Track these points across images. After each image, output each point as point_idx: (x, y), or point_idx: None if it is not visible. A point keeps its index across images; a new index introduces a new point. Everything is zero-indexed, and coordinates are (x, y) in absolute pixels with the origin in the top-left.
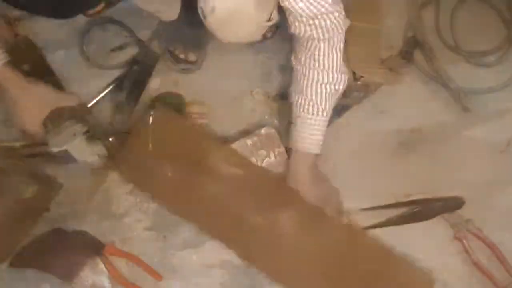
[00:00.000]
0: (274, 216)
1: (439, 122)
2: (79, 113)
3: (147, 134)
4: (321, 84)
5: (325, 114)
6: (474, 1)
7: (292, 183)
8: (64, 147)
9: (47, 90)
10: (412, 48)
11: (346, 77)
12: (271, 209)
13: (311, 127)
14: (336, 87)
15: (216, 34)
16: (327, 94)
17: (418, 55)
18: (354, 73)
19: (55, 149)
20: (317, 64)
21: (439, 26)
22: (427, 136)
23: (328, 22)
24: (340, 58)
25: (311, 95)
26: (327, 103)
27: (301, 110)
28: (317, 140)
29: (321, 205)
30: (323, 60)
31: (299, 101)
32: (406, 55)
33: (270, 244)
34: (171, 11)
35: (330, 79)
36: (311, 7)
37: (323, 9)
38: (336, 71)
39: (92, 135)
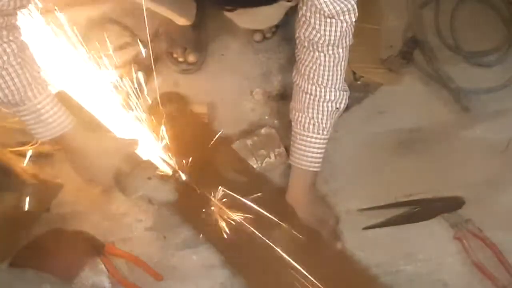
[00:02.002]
0: (272, 229)
1: (439, 122)
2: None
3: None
4: (323, 102)
5: (325, 132)
6: (474, 1)
7: (290, 200)
8: (141, 193)
9: (110, 139)
10: (412, 48)
11: (348, 95)
12: (269, 221)
13: (312, 145)
14: (338, 106)
15: (234, 19)
16: (328, 113)
17: (418, 55)
18: (354, 73)
19: (132, 196)
20: (320, 80)
21: (439, 26)
22: (427, 136)
23: (344, 25)
24: (342, 76)
25: (313, 114)
26: (328, 121)
27: (302, 128)
28: (317, 158)
29: (317, 227)
30: (327, 76)
31: (299, 119)
32: (406, 55)
33: (261, 257)
34: (187, 16)
35: (333, 97)
36: (337, 3)
37: (349, 5)
38: (339, 88)
39: (164, 174)
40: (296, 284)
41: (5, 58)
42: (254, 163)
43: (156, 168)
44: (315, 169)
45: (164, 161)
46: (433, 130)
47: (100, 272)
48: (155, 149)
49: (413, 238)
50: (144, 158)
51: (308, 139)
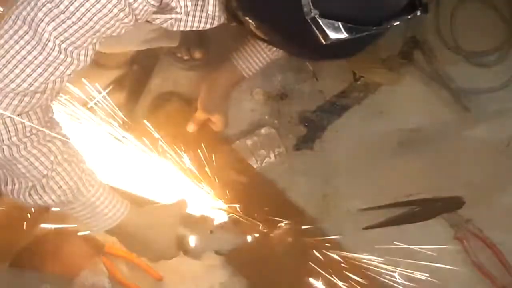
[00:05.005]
0: (270, 230)
1: (439, 122)
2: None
3: None
4: None
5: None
6: (474, 1)
7: (207, 82)
8: (209, 249)
9: (160, 209)
10: (412, 48)
11: None
12: (267, 222)
13: (261, 58)
14: None
15: None
16: None
17: (418, 55)
18: (354, 73)
19: (202, 256)
20: None
21: (439, 26)
22: (427, 136)
23: None
24: None
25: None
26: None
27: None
28: (257, 68)
29: (207, 112)
30: None
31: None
32: (406, 55)
33: (262, 257)
34: (172, 42)
35: None
36: None
37: None
38: None
39: (221, 225)
40: (296, 284)
41: (51, 158)
42: (254, 163)
43: (213, 219)
44: (247, 74)
45: (217, 208)
46: (433, 130)
47: (100, 272)
48: (203, 201)
49: (413, 238)
50: (197, 214)
51: (263, 53)
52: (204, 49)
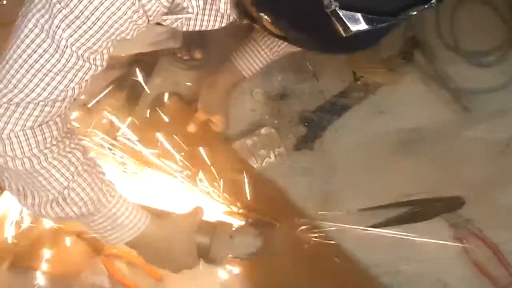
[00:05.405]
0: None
1: (439, 122)
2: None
3: None
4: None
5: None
6: (474, 1)
7: (207, 82)
8: (231, 255)
9: (178, 219)
10: (412, 48)
11: None
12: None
13: (261, 58)
14: None
15: None
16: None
17: (418, 55)
18: (354, 73)
19: (224, 263)
20: None
21: (439, 26)
22: (427, 136)
23: None
24: None
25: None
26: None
27: (264, 43)
28: (257, 68)
29: (207, 113)
30: None
31: (267, 42)
32: (406, 55)
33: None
34: (176, 43)
35: None
36: None
37: None
38: None
39: (239, 229)
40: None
41: (72, 169)
42: (254, 163)
43: (231, 224)
44: (247, 74)
45: (234, 213)
46: (433, 130)
47: (100, 272)
48: (218, 207)
49: (413, 238)
50: (214, 220)
51: (263, 53)
52: (204, 49)
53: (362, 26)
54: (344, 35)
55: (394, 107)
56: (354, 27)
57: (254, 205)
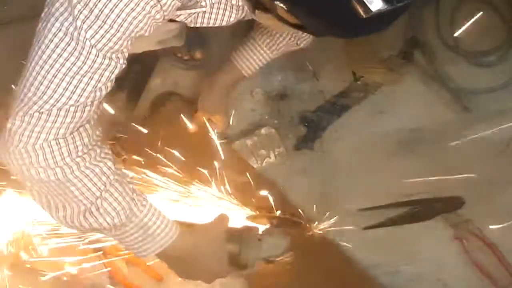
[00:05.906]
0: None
1: (439, 122)
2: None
3: None
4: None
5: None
6: (474, 1)
7: (207, 82)
8: (261, 259)
9: (204, 229)
10: (412, 48)
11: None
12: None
13: (261, 57)
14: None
15: None
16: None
17: (418, 55)
18: (354, 73)
19: (256, 268)
20: None
21: (439, 26)
22: (427, 136)
23: None
24: None
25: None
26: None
27: (262, 41)
28: (256, 67)
29: (208, 113)
30: None
31: (266, 40)
32: (406, 55)
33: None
34: (180, 41)
35: None
36: None
37: None
38: None
39: (266, 232)
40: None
41: (104, 179)
42: (254, 163)
43: (257, 228)
44: (246, 73)
45: (257, 217)
46: (433, 130)
47: (100, 272)
48: (241, 212)
49: (413, 238)
50: (240, 226)
51: (262, 51)
52: (204, 49)
53: (382, 5)
54: (364, 16)
55: (394, 107)
56: (374, 7)
57: (270, 206)
